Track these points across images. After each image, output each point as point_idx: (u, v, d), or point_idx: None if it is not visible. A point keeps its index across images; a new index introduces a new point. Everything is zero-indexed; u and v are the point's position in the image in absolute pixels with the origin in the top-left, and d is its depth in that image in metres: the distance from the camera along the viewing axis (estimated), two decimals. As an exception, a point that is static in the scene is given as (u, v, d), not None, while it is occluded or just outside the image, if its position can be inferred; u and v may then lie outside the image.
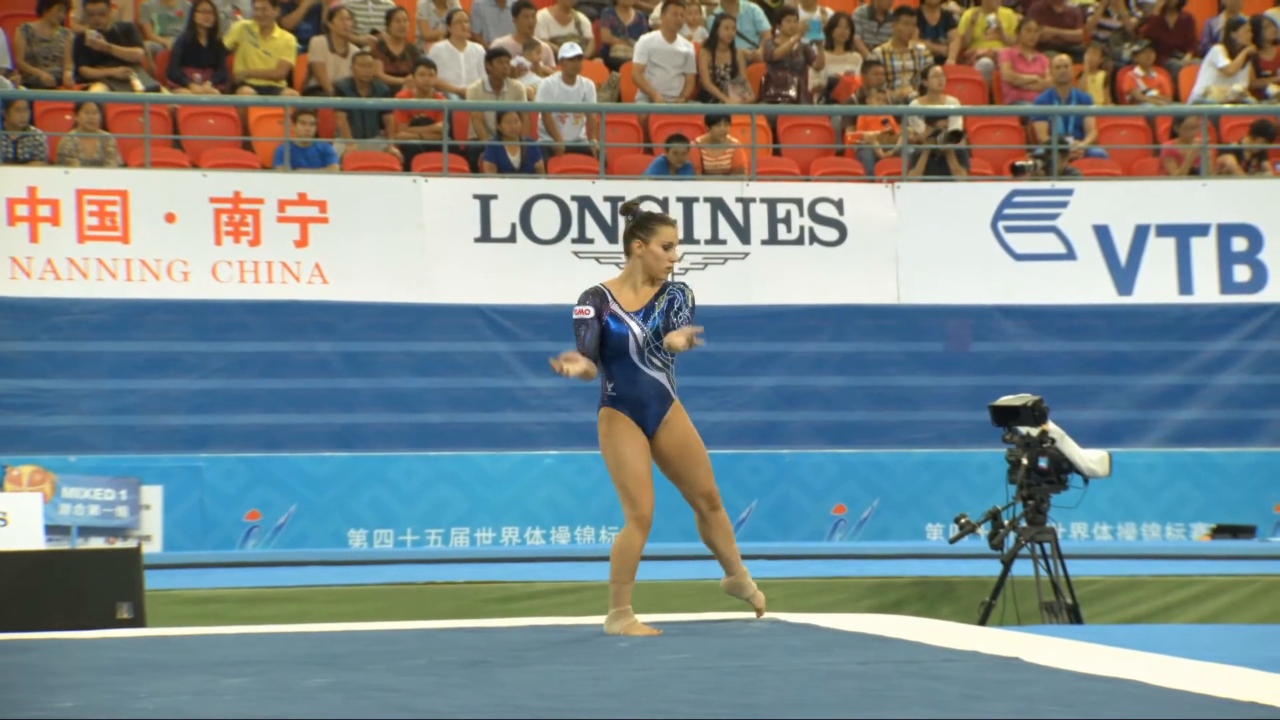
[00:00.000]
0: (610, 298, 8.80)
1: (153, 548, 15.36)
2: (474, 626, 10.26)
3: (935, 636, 8.71)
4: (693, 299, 8.86)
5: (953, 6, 21.47)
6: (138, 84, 18.55)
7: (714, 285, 17.74)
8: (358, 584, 13.47)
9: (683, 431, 8.91)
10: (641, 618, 9.27)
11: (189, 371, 16.84)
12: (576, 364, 8.65)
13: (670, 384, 8.87)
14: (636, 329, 8.75)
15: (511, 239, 17.74)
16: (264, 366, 16.96)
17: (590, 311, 8.77)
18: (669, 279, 8.87)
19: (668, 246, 8.84)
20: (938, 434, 17.57)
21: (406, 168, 18.42)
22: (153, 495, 15.80)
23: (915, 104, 19.59)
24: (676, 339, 8.66)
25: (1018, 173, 18.24)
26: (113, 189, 17.09)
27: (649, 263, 8.82)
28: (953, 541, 13.23)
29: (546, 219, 17.82)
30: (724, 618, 10.22)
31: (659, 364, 8.82)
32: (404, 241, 17.50)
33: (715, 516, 9.19)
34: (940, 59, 20.60)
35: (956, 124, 19.44)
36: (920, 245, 18.13)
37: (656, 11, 20.15)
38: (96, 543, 15.07)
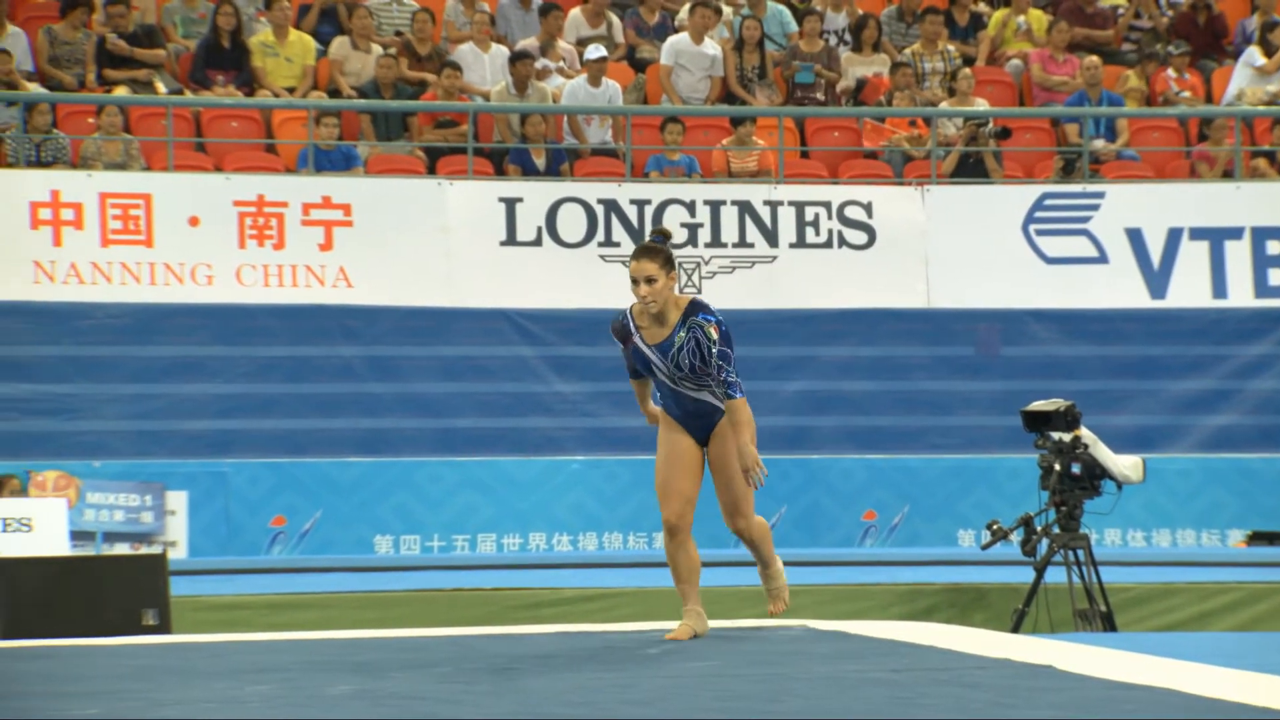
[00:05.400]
0: (634, 328, 8.82)
1: (178, 554, 15.39)
2: (501, 633, 10.28)
3: (967, 644, 8.72)
4: (716, 336, 8.68)
5: (982, 8, 21.45)
6: (161, 87, 18.60)
7: (742, 289, 17.76)
8: (384, 590, 13.48)
9: (722, 457, 8.92)
10: (673, 624, 9.28)
11: (213, 376, 16.87)
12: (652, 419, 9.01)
13: (717, 397, 8.82)
14: (658, 362, 8.76)
15: (537, 242, 17.76)
16: (289, 371, 17.00)
17: (620, 344, 8.89)
18: (693, 311, 8.72)
19: (635, 283, 8.73)
20: (969, 439, 17.55)
21: (431, 170, 18.45)
22: (178, 501, 15.82)
23: (944, 106, 19.57)
24: (744, 462, 8.84)
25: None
26: (136, 192, 17.13)
27: None
28: (985, 548, 13.21)
29: (573, 222, 17.84)
30: (756, 624, 10.23)
31: (694, 386, 8.79)
32: (429, 245, 17.53)
33: (745, 536, 9.17)
34: (970, 60, 20.58)
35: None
36: (950, 248, 18.13)
37: (683, 13, 20.15)
38: (121, 549, 15.10)
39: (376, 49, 19.15)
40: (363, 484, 16.55)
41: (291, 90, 18.94)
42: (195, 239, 17.10)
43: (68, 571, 11.68)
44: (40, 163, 17.48)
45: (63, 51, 18.49)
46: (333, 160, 18.22)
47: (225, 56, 18.85)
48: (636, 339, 8.79)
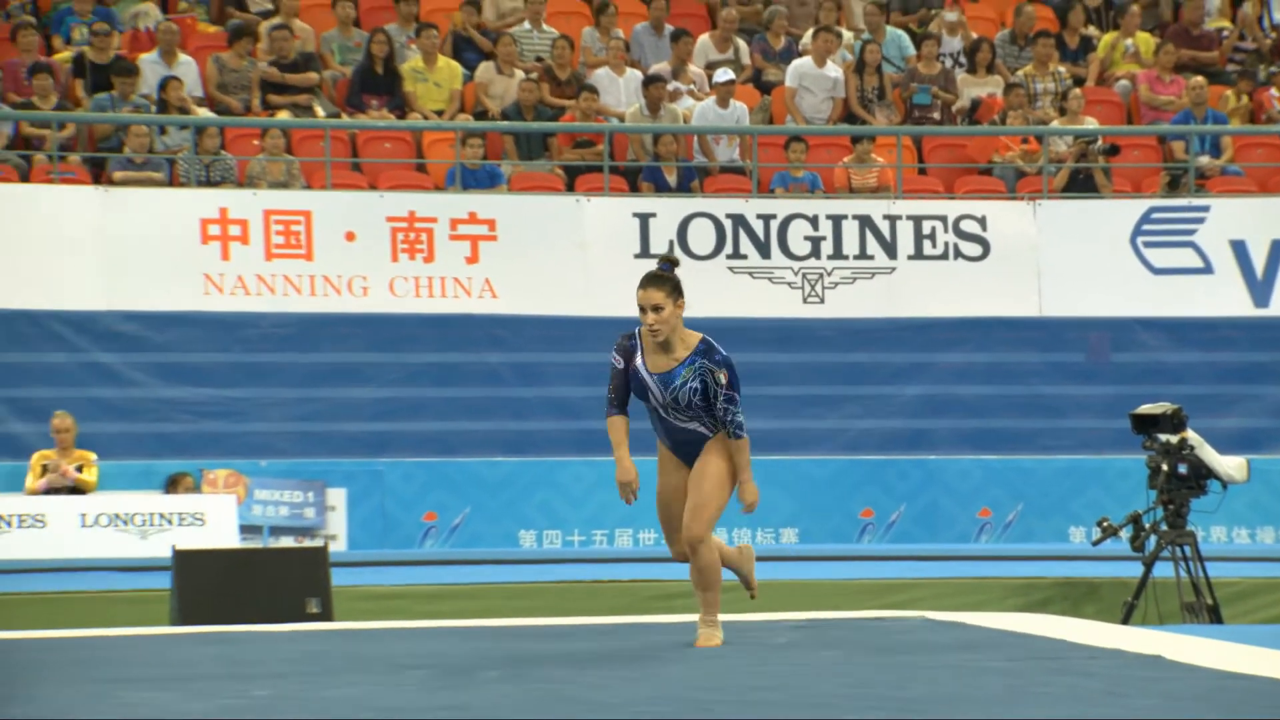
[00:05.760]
0: (640, 352, 8.27)
1: (338, 546, 15.48)
2: (640, 622, 10.34)
3: (1079, 635, 8.69)
4: (725, 381, 8.19)
5: (1092, 31, 21.32)
6: (319, 110, 18.79)
7: (862, 298, 17.75)
8: (529, 582, 13.56)
9: (701, 467, 8.33)
10: (799, 615, 9.31)
11: (369, 381, 17.02)
12: (631, 492, 8.43)
13: (708, 426, 8.30)
14: (656, 390, 8.23)
15: (669, 255, 17.80)
16: (438, 376, 17.12)
17: (621, 361, 8.30)
18: (704, 353, 8.19)
19: (642, 310, 8.19)
20: (1080, 441, 17.46)
21: (570, 188, 18.54)
22: (338, 497, 15.94)
23: (1055, 124, 19.49)
24: (746, 494, 8.39)
25: None
26: (297, 209, 17.32)
27: None
28: (1095, 544, 13.16)
29: (703, 236, 17.89)
30: (878, 615, 10.25)
31: (685, 417, 8.28)
32: (568, 258, 17.62)
33: (693, 553, 8.46)
34: (1080, 81, 20.47)
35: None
36: (1061, 260, 18.05)
37: (807, 38, 20.16)
38: (286, 542, 15.21)
39: (519, 74, 19.27)
40: (509, 482, 16.62)
41: (440, 113, 19.09)
42: (352, 253, 17.26)
43: (237, 563, 11.82)
44: (209, 182, 17.70)
45: (230, 78, 18.71)
46: (478, 178, 18.35)
47: (379, 82, 19.01)
48: (639, 362, 8.26)
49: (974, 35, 20.72)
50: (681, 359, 8.20)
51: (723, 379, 8.18)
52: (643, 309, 8.17)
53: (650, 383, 8.23)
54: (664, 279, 8.20)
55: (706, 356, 8.18)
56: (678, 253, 17.65)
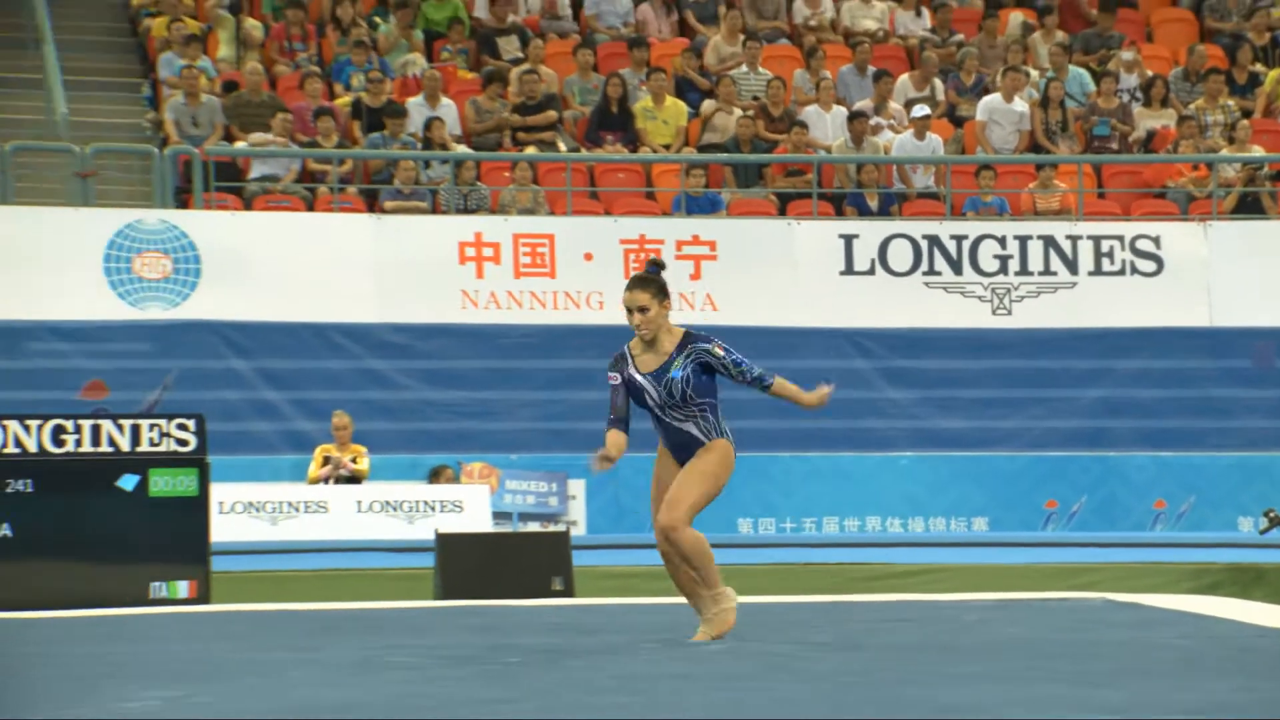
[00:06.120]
0: (630, 361, 7.74)
1: (578, 531, 15.53)
2: (846, 601, 10.33)
3: (1248, 615, 8.56)
4: (721, 351, 7.68)
5: (1259, 68, 20.91)
6: (561, 145, 18.97)
7: (1047, 310, 17.58)
8: (747, 564, 13.57)
9: (688, 466, 7.79)
10: (990, 595, 9.23)
11: (603, 385, 17.08)
12: (604, 458, 7.74)
13: (703, 431, 7.76)
14: (650, 389, 7.70)
15: (871, 272, 17.76)
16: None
17: (618, 378, 7.77)
18: (691, 341, 7.68)
19: (629, 312, 7.68)
20: (1247, 439, 17.14)
21: (782, 212, 18.55)
22: (578, 488, 16.01)
23: (1225, 152, 19.13)
24: (812, 399, 7.86)
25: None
26: (542, 233, 17.49)
27: None
28: (1262, 533, 12.94)
29: (901, 255, 17.81)
30: (1061, 596, 10.15)
31: (680, 417, 7.74)
32: (780, 275, 17.62)
33: (674, 543, 7.81)
34: (1248, 113, 20.08)
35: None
36: (1229, 275, 17.73)
37: (997, 76, 20.00)
38: (533, 527, 15.31)
39: (737, 111, 19.31)
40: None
41: (667, 147, 19.19)
42: (589, 271, 17.39)
43: (491, 545, 11.97)
44: (466, 210, 17.94)
45: (484, 118, 18.95)
46: (701, 205, 18.42)
47: (614, 120, 19.16)
48: (631, 370, 7.73)
49: (1149, 72, 20.41)
50: (669, 353, 7.68)
51: (718, 350, 7.69)
52: (629, 310, 7.66)
53: (645, 384, 7.71)
54: (649, 281, 7.68)
55: (694, 342, 7.68)
56: (876, 269, 17.65)
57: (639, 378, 7.72)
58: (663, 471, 7.90)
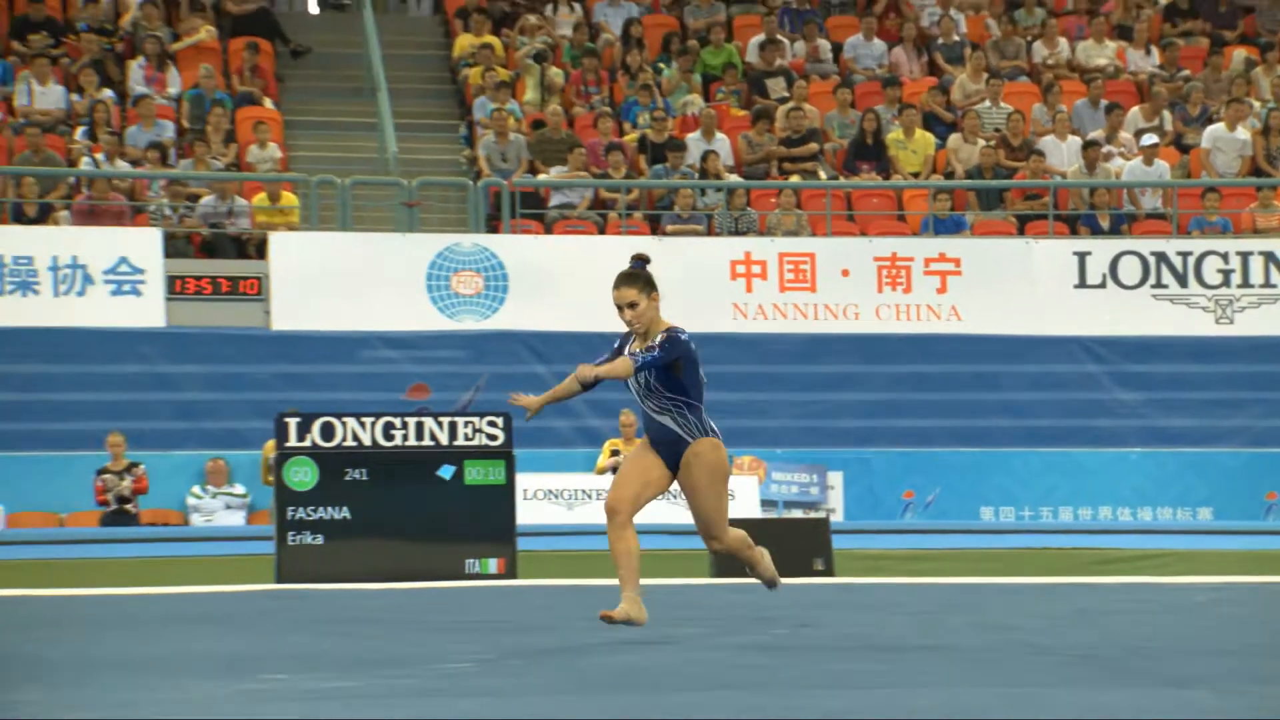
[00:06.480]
0: (627, 345, 7.24)
1: (836, 517, 15.51)
2: (1082, 583, 10.20)
3: None
4: (663, 340, 6.99)
5: None
6: (822, 174, 18.98)
7: (1266, 319, 17.16)
8: (989, 548, 13.46)
9: (693, 479, 7.15)
10: (1215, 578, 9.03)
11: (859, 387, 17.08)
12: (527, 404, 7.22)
13: (682, 428, 7.15)
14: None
15: (1102, 285, 17.44)
16: (915, 383, 17.09)
17: (618, 342, 7.27)
18: (666, 330, 7.07)
19: (619, 309, 7.07)
20: None
21: (1021, 232, 18.32)
22: (836, 479, 15.98)
23: None
24: (585, 370, 7.07)
25: None
26: (804, 252, 17.50)
27: None
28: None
29: (1130, 269, 17.45)
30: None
31: (656, 408, 7.13)
32: (1019, 288, 17.40)
33: (724, 551, 7.34)
34: None
35: None
36: None
37: (1221, 107, 19.50)
38: (796, 514, 15.35)
39: (980, 142, 19.11)
40: (971, 468, 16.48)
41: (917, 174, 19.08)
42: (846, 285, 17.34)
43: (759, 529, 11.93)
44: (737, 231, 18.04)
45: (754, 151, 19.03)
46: (947, 226, 18.28)
47: (869, 150, 19.10)
48: (627, 352, 7.19)
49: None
50: (651, 345, 7.08)
51: (662, 342, 6.99)
52: (619, 307, 7.03)
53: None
54: (635, 276, 7.06)
55: (671, 331, 7.05)
56: (1108, 283, 17.34)
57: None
58: (639, 459, 7.18)
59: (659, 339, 6.99)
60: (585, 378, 6.98)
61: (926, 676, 5.53)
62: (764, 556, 7.46)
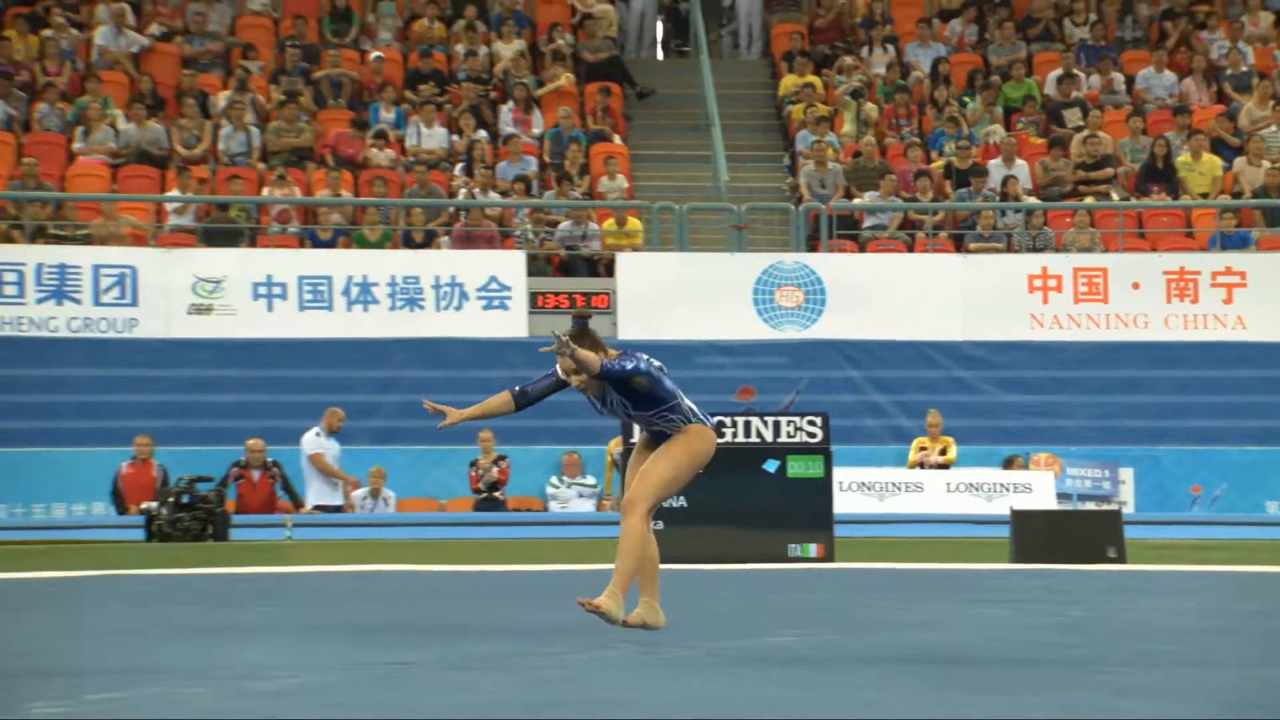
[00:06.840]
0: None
1: (1128, 510, 15.12)
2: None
3: None
4: (621, 354, 6.54)
5: None
6: (1114, 195, 18.43)
7: None
8: (1274, 539, 12.88)
9: (667, 446, 6.65)
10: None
11: (1148, 390, 16.51)
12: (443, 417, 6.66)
13: (673, 426, 6.63)
14: (616, 405, 6.64)
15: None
16: (1202, 387, 16.47)
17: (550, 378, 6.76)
18: (621, 352, 6.57)
19: (567, 374, 6.63)
20: None
21: (1306, 245, 17.47)
22: (1127, 475, 15.59)
23: None
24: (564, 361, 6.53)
25: None
26: (1097, 267, 17.05)
27: None
28: None
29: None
30: None
31: (646, 425, 6.67)
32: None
33: (622, 523, 6.59)
34: None
35: None
36: None
37: None
38: (1089, 506, 15.00)
39: (1265, 163, 18.26)
40: (1258, 464, 15.83)
41: (1205, 195, 18.36)
42: (1137, 297, 16.83)
43: (1055, 520, 11.82)
44: (1035, 249, 17.65)
45: (1050, 175, 18.57)
46: (1233, 241, 17.55)
47: (1159, 173, 18.48)
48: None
49: None
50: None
51: (615, 357, 6.51)
52: (567, 374, 6.59)
53: (613, 401, 6.65)
54: (566, 347, 6.41)
55: (622, 352, 6.57)
56: None
57: (613, 394, 6.63)
58: (641, 460, 6.72)
59: (616, 355, 6.56)
60: (563, 351, 6.42)
61: (1220, 656, 5.36)
62: (651, 608, 6.59)
